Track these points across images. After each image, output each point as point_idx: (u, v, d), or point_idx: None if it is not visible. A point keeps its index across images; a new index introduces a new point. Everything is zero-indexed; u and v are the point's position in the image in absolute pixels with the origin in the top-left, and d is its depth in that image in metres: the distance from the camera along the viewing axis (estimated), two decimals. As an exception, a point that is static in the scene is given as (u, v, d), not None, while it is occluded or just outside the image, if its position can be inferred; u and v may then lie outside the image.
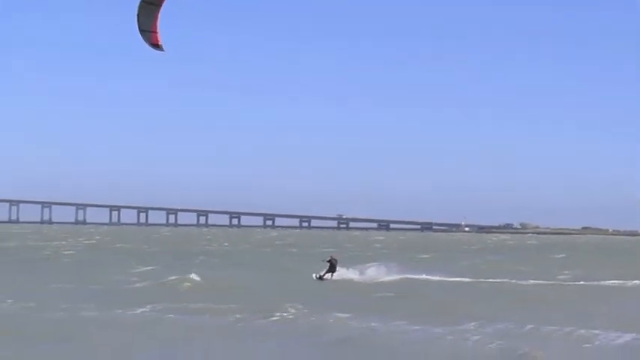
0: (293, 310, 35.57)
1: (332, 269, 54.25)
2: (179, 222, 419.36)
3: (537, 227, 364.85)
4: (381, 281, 54.00)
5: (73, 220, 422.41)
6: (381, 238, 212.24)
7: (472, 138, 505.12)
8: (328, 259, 55.25)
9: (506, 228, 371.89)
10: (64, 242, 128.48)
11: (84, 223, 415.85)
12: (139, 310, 35.52)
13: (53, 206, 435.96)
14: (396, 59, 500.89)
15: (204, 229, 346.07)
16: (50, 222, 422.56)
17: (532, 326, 31.57)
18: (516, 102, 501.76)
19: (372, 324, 31.96)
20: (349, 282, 53.19)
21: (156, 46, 21.79)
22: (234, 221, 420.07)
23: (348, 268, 56.89)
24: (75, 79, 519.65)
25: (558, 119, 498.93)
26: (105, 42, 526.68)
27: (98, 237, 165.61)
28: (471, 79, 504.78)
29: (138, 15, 21.56)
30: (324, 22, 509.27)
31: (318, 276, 54.08)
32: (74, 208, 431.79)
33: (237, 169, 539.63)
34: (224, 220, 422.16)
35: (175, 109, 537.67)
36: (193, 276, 51.93)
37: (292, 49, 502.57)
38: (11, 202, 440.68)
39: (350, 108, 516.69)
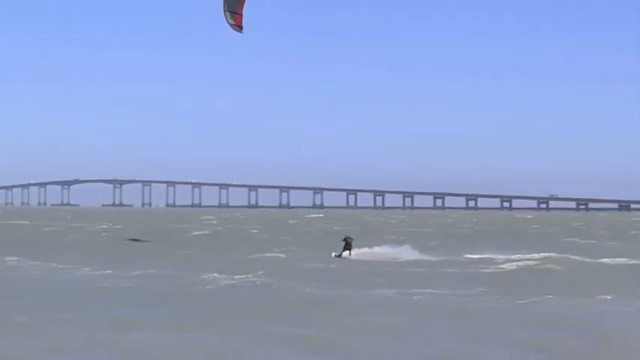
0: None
1: (347, 247, 56.19)
2: (386, 204, 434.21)
3: None
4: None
5: (310, 204, 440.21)
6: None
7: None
8: (343, 238, 57.65)
9: None
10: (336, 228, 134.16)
11: (321, 207, 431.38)
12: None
13: (291, 190, 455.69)
14: (597, 38, 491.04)
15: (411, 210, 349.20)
16: (289, 206, 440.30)
17: None
18: None
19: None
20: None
21: (238, 27, 22.30)
22: (439, 202, 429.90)
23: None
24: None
25: None
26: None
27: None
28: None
29: None
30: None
31: (336, 255, 56.17)
32: (312, 192, 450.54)
33: (440, 152, 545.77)
34: (428, 201, 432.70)
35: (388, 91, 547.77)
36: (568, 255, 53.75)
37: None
38: (250, 188, 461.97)
39: (546, 87, 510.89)
